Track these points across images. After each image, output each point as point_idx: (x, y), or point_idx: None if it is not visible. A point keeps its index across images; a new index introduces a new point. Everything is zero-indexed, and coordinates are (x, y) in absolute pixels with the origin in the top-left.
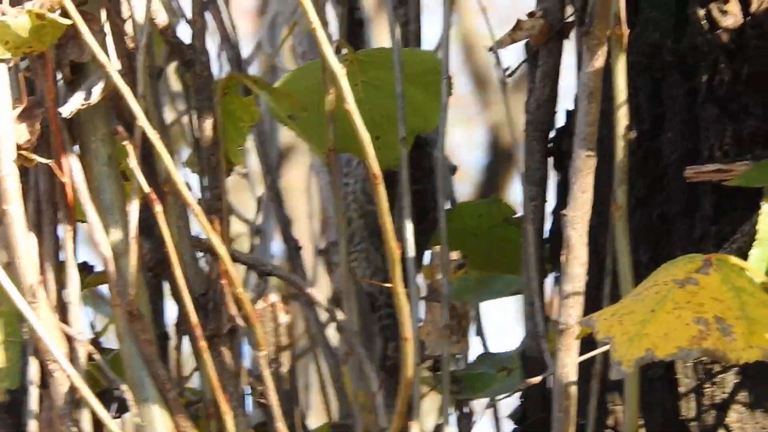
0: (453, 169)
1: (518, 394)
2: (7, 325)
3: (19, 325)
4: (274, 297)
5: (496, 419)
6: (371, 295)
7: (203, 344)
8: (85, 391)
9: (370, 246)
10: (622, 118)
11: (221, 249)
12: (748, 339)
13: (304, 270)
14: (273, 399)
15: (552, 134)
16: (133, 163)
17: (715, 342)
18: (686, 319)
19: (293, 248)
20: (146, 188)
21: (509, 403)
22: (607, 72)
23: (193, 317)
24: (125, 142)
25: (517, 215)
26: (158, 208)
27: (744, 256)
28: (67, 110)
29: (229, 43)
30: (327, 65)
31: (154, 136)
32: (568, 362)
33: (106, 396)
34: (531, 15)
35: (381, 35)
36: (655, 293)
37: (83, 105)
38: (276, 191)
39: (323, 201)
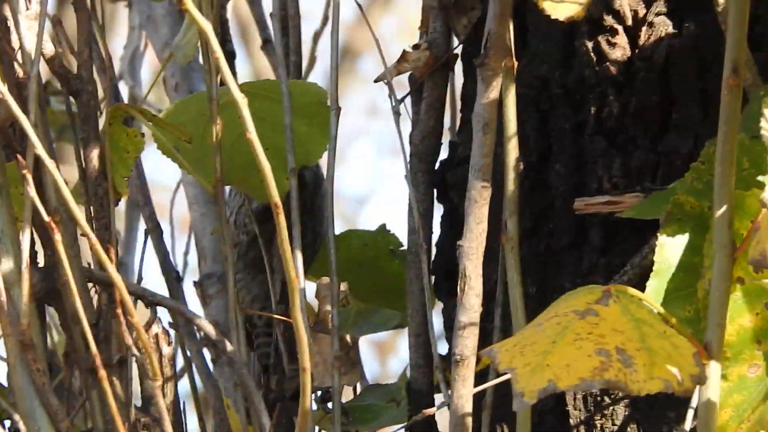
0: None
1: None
2: None
3: None
4: (156, 328)
5: None
6: (249, 324)
7: (103, 373)
8: None
9: (247, 276)
10: (512, 149)
11: (117, 278)
12: (650, 370)
13: (185, 301)
14: (168, 428)
15: (437, 166)
16: (31, 191)
17: (617, 373)
18: (588, 350)
19: (173, 279)
20: (46, 216)
21: None
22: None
23: (92, 346)
24: (24, 171)
25: (402, 248)
26: (57, 236)
27: (635, 288)
28: None
29: (105, 74)
30: (230, 94)
31: (50, 164)
32: (464, 393)
33: None
34: (416, 47)
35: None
36: (556, 324)
37: None
38: (155, 223)
39: (198, 232)
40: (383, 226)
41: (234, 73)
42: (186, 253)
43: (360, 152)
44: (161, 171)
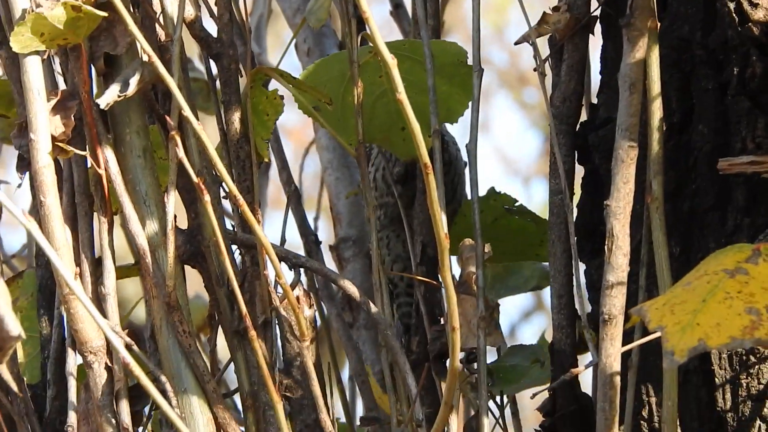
0: (465, 164)
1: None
2: (25, 320)
3: (38, 319)
4: (298, 290)
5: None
6: (390, 283)
7: (253, 333)
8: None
9: (392, 234)
10: (656, 110)
11: (265, 240)
12: None
13: (324, 263)
14: (316, 390)
15: (578, 128)
16: (180, 153)
17: None
18: (738, 309)
19: (312, 242)
20: (195, 177)
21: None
22: None
23: (242, 306)
24: (173, 132)
25: (517, 203)
26: (206, 197)
27: None
28: (103, 102)
29: (242, 39)
30: (378, 54)
31: (197, 125)
32: (612, 352)
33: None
34: (556, 9)
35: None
36: (706, 283)
37: (119, 97)
38: (293, 186)
39: (332, 197)
40: (492, 189)
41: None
42: (316, 218)
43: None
44: None
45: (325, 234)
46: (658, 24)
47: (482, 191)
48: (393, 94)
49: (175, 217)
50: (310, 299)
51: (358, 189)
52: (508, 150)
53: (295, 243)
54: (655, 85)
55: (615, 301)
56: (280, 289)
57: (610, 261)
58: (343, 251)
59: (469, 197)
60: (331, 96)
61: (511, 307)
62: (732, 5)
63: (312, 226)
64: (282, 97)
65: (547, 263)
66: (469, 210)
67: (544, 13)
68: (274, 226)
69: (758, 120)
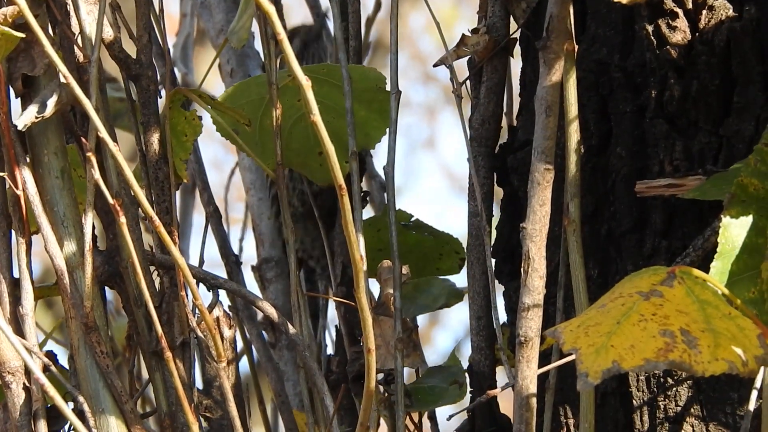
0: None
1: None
2: None
3: None
4: (218, 311)
5: None
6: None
7: (169, 354)
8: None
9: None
10: (574, 132)
11: (181, 261)
12: (714, 352)
13: (245, 285)
14: (233, 411)
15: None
16: (95, 174)
17: (681, 354)
18: (652, 332)
19: (233, 263)
20: (110, 199)
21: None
22: None
23: (158, 328)
24: (89, 153)
25: (413, 218)
26: (122, 219)
27: (700, 269)
28: (21, 123)
29: (163, 60)
30: (288, 78)
31: (113, 147)
32: (528, 374)
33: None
34: (475, 31)
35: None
36: (621, 305)
37: (37, 118)
38: (214, 207)
39: (254, 217)
40: (385, 207)
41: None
42: (241, 239)
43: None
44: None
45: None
46: (576, 46)
47: (430, 207)
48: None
49: (95, 237)
50: (229, 320)
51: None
52: (454, 167)
53: (218, 263)
54: (573, 108)
55: (531, 323)
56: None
57: (526, 283)
58: (265, 272)
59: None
60: (250, 118)
61: (456, 322)
62: (650, 28)
63: (237, 248)
64: (200, 118)
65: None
66: (378, 225)
67: (463, 35)
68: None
69: (676, 143)
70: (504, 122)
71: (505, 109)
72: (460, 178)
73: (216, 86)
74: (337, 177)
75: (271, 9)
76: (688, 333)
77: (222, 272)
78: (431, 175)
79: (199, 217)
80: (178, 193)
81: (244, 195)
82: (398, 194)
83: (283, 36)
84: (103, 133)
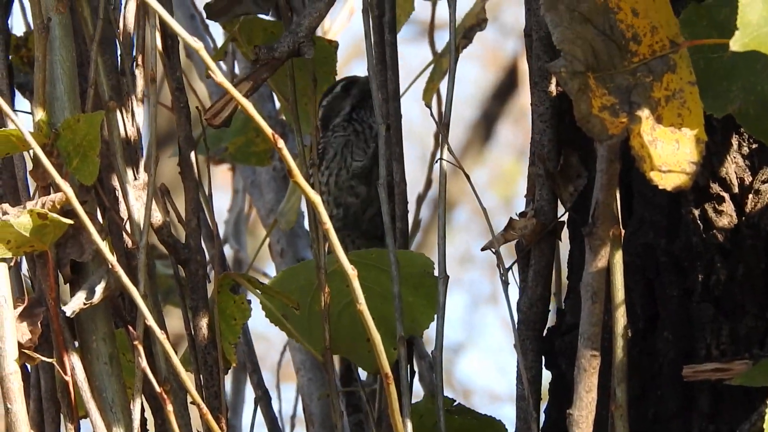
0: None
1: None
2: None
3: None
4: None
5: None
6: None
7: None
8: None
9: (347, 238)
10: (621, 317)
11: None
12: None
13: None
14: None
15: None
16: (142, 362)
17: None
18: None
19: None
20: (157, 387)
21: None
22: None
23: None
24: (135, 342)
25: (456, 403)
26: (169, 407)
27: None
28: (69, 309)
29: (212, 242)
30: (338, 263)
31: (161, 335)
32: None
33: None
34: (523, 215)
35: None
36: None
37: (85, 304)
38: (264, 390)
39: (305, 398)
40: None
41: None
42: (293, 416)
43: (454, 302)
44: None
45: None
46: (622, 231)
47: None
48: None
49: (145, 421)
50: None
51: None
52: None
53: None
54: (619, 293)
55: None
56: None
57: None
58: None
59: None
60: (300, 302)
61: None
62: (697, 212)
63: (290, 425)
64: (249, 302)
65: None
66: (420, 411)
67: (511, 218)
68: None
69: (722, 327)
70: (552, 304)
71: (554, 290)
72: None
73: (267, 263)
74: (383, 366)
75: (316, 198)
76: None
77: None
78: (494, 330)
79: (251, 392)
80: (230, 369)
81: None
82: (460, 350)
83: (328, 225)
84: (151, 321)
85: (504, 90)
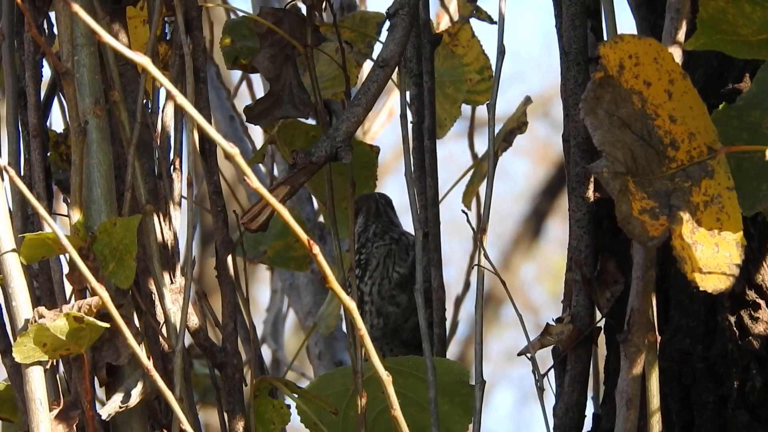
0: None
1: None
2: None
3: None
4: None
5: None
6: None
7: None
8: None
9: (385, 347)
10: (656, 423)
11: None
12: None
13: None
14: None
15: None
16: None
17: None
18: None
19: None
20: None
21: None
22: None
23: None
24: None
25: None
26: None
27: None
28: (105, 412)
29: (249, 345)
30: (374, 370)
31: None
32: None
33: None
34: (559, 320)
35: None
36: None
37: (121, 407)
38: None
39: None
40: None
41: None
42: None
43: (501, 398)
44: None
45: None
46: (659, 337)
47: None
48: None
49: None
50: None
51: None
52: None
53: None
54: (655, 399)
55: None
56: None
57: None
58: None
59: None
60: (337, 407)
61: None
62: (733, 319)
63: None
64: (289, 407)
65: None
66: None
67: (548, 324)
68: None
69: None
70: (590, 408)
71: (591, 394)
72: None
73: (305, 363)
74: None
75: (351, 304)
76: None
77: None
78: (542, 426)
79: None
80: None
81: None
82: None
83: (363, 331)
84: (186, 426)
85: (554, 185)
